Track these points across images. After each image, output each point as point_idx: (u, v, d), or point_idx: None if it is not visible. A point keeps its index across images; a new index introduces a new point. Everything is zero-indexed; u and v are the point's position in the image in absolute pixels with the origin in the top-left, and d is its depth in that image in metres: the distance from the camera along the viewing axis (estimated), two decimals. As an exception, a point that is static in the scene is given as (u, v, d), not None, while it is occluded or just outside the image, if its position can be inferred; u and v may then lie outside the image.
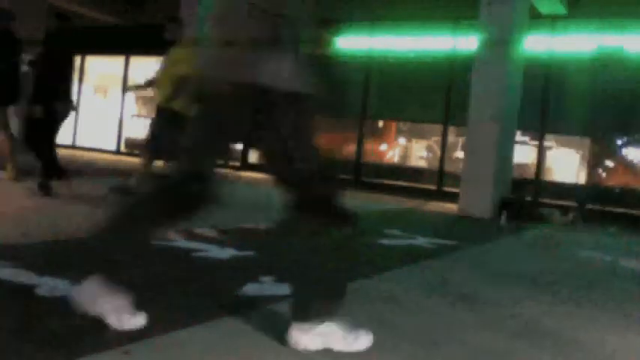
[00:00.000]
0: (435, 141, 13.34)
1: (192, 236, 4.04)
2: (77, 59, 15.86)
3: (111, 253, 2.09)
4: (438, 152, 11.84)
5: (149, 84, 5.69)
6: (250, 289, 2.76)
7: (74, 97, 8.40)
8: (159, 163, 4.61)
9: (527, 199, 9.11)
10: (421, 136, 14.62)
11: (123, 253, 2.13)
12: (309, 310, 2.02)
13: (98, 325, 2.06)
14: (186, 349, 1.93)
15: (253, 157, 14.01)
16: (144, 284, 2.69)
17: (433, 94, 11.21)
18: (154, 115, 5.50)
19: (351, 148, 12.22)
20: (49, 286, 2.46)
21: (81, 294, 2.04)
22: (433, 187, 11.09)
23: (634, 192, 10.67)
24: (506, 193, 8.36)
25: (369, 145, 12.66)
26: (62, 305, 2.26)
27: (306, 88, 1.94)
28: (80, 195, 6.13)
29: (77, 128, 15.95)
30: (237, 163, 13.28)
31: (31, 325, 2.01)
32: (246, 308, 2.44)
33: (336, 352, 2.05)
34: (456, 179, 9.63)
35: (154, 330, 2.05)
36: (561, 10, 9.79)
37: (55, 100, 5.12)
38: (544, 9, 9.66)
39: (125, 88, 14.67)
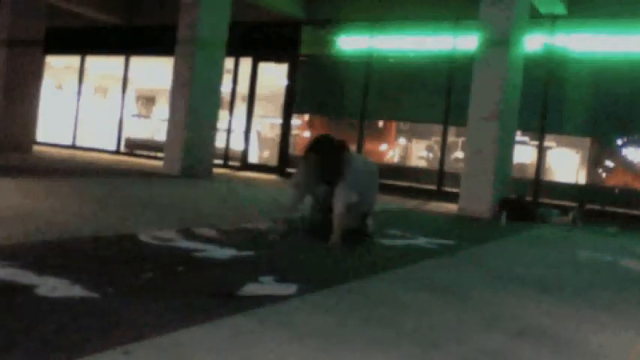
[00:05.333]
0: (435, 141, 13.35)
1: (192, 236, 4.04)
2: (77, 59, 15.92)
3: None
4: (438, 152, 11.85)
5: None
6: (250, 289, 2.76)
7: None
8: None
9: (527, 199, 9.11)
10: (421, 136, 14.64)
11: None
12: None
13: (98, 325, 2.07)
14: (186, 349, 1.93)
15: (253, 157, 14.01)
16: (144, 284, 2.70)
17: (433, 94, 11.21)
18: None
19: (350, 148, 12.22)
20: (49, 286, 2.46)
21: None
22: (433, 187, 11.09)
23: (634, 192, 10.66)
24: (507, 193, 8.36)
25: (369, 145, 12.66)
26: (62, 305, 2.26)
27: None
28: (80, 195, 6.13)
29: (77, 128, 15.95)
30: (237, 163, 13.29)
31: (31, 325, 2.01)
32: (246, 308, 2.44)
33: (337, 351, 2.05)
34: (456, 179, 9.64)
35: (154, 330, 2.05)
36: (561, 10, 9.80)
37: None
38: (544, 9, 9.67)
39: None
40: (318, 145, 4.48)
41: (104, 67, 16.57)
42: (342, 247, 4.18)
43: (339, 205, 4.26)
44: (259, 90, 13.23)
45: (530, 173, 10.86)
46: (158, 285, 2.72)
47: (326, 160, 4.39)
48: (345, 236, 4.30)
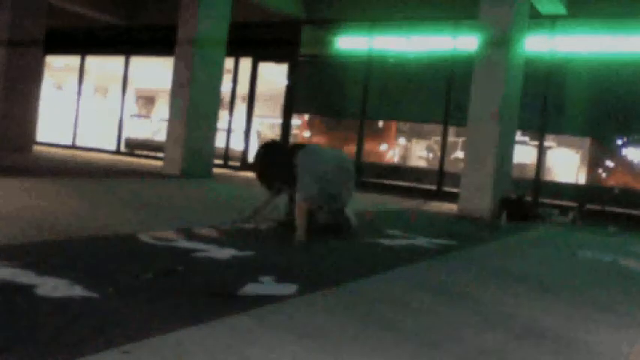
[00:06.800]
0: (435, 141, 13.35)
1: (192, 236, 4.04)
2: (77, 59, 15.92)
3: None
4: (438, 152, 11.85)
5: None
6: (250, 289, 2.76)
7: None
8: None
9: (527, 199, 9.10)
10: (421, 136, 14.64)
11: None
12: None
13: (98, 325, 2.07)
14: (186, 349, 1.93)
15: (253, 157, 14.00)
16: (144, 284, 2.70)
17: (433, 94, 11.21)
18: None
19: (351, 148, 12.23)
20: (49, 286, 2.46)
21: None
22: (433, 187, 11.09)
23: (634, 192, 10.66)
24: (506, 193, 8.35)
25: (369, 145, 12.66)
26: (62, 305, 2.26)
27: None
28: (80, 195, 6.13)
29: (77, 128, 15.95)
30: (237, 163, 13.29)
31: (31, 325, 2.01)
32: (246, 308, 2.44)
33: (336, 351, 2.05)
34: (456, 179, 9.64)
35: (154, 330, 2.05)
36: (561, 10, 9.80)
37: None
38: (544, 9, 9.66)
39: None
40: (263, 154, 4.84)
41: (104, 67, 16.56)
42: (307, 243, 4.29)
43: (297, 204, 4.54)
44: (259, 90, 13.23)
45: (530, 173, 10.86)
46: (158, 285, 2.72)
47: (274, 166, 4.74)
48: (323, 232, 4.63)
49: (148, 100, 18.62)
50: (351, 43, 12.22)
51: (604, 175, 13.67)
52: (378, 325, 2.43)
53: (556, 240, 6.53)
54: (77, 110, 15.91)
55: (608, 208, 9.67)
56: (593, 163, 12.49)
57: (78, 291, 2.43)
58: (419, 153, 14.87)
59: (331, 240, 4.50)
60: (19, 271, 2.64)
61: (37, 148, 13.32)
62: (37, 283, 2.49)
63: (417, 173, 12.81)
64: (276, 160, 4.74)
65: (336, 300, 2.78)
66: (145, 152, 15.23)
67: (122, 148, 15.35)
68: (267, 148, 4.93)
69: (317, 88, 12.68)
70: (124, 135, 15.52)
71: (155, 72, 15.49)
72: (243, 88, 13.31)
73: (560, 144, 13.07)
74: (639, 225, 8.88)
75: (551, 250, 5.74)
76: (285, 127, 12.93)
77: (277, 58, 13.04)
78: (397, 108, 11.94)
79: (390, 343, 2.23)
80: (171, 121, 10.11)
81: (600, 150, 12.78)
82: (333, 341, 2.17)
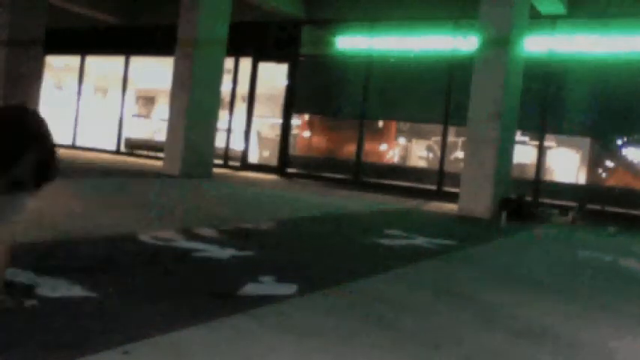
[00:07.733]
0: (435, 141, 13.35)
1: (192, 236, 4.04)
2: (77, 59, 15.91)
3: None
4: (438, 152, 11.84)
5: None
6: (250, 289, 2.76)
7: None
8: None
9: (527, 199, 9.10)
10: (421, 136, 14.64)
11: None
12: None
13: (98, 325, 2.07)
14: (186, 349, 1.93)
15: (253, 157, 14.01)
16: (144, 284, 2.70)
17: (433, 94, 11.20)
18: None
19: (351, 148, 12.22)
20: (49, 286, 2.46)
21: None
22: (433, 187, 11.09)
23: (634, 192, 10.66)
24: (507, 193, 8.35)
25: (369, 145, 12.66)
26: (62, 305, 2.26)
27: None
28: (81, 195, 6.13)
29: (77, 128, 15.95)
30: (237, 163, 13.28)
31: (31, 325, 2.01)
32: (246, 308, 2.44)
33: (336, 350, 2.05)
34: (456, 179, 9.63)
35: (154, 330, 2.05)
36: (561, 10, 9.79)
37: None
38: (544, 9, 9.66)
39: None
40: None
41: (104, 67, 16.56)
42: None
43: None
44: (259, 90, 13.23)
45: (530, 173, 10.85)
46: (158, 285, 2.72)
47: None
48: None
49: (148, 100, 18.61)
50: (351, 43, 12.21)
51: (604, 175, 13.67)
52: (378, 325, 2.43)
53: (556, 240, 6.52)
54: (77, 110, 15.91)
55: (608, 208, 9.67)
56: (593, 163, 12.49)
57: (78, 291, 2.43)
58: (419, 153, 14.87)
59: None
60: (19, 271, 2.64)
61: (37, 148, 13.29)
62: (37, 283, 2.49)
63: (417, 173, 12.80)
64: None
65: (336, 300, 2.78)
66: (145, 152, 15.22)
67: (122, 148, 15.35)
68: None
69: (317, 88, 12.67)
70: (124, 135, 15.51)
71: (155, 72, 15.48)
72: (243, 88, 13.31)
73: (560, 144, 13.07)
74: (639, 225, 8.88)
75: (551, 250, 5.74)
76: (285, 127, 12.92)
77: (277, 58, 13.03)
78: (397, 108, 11.94)
79: (390, 343, 2.23)
80: (172, 121, 10.11)
81: (600, 150, 12.78)
82: (333, 341, 2.17)
